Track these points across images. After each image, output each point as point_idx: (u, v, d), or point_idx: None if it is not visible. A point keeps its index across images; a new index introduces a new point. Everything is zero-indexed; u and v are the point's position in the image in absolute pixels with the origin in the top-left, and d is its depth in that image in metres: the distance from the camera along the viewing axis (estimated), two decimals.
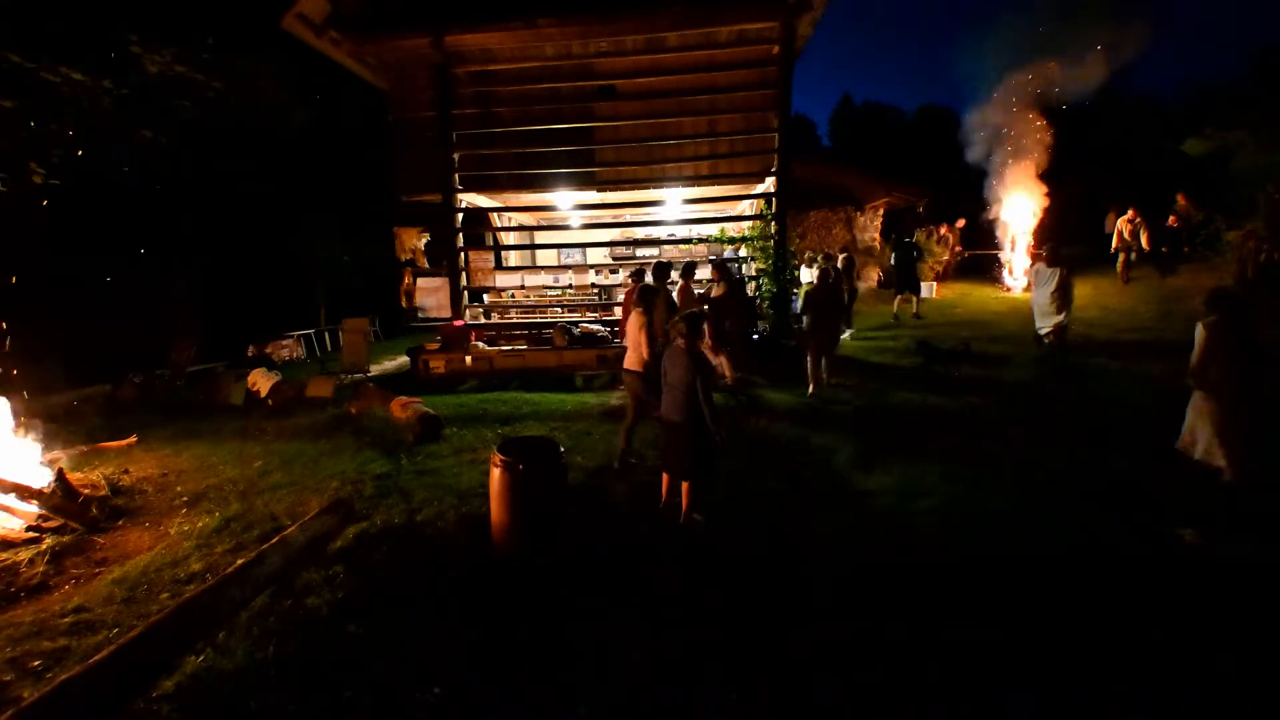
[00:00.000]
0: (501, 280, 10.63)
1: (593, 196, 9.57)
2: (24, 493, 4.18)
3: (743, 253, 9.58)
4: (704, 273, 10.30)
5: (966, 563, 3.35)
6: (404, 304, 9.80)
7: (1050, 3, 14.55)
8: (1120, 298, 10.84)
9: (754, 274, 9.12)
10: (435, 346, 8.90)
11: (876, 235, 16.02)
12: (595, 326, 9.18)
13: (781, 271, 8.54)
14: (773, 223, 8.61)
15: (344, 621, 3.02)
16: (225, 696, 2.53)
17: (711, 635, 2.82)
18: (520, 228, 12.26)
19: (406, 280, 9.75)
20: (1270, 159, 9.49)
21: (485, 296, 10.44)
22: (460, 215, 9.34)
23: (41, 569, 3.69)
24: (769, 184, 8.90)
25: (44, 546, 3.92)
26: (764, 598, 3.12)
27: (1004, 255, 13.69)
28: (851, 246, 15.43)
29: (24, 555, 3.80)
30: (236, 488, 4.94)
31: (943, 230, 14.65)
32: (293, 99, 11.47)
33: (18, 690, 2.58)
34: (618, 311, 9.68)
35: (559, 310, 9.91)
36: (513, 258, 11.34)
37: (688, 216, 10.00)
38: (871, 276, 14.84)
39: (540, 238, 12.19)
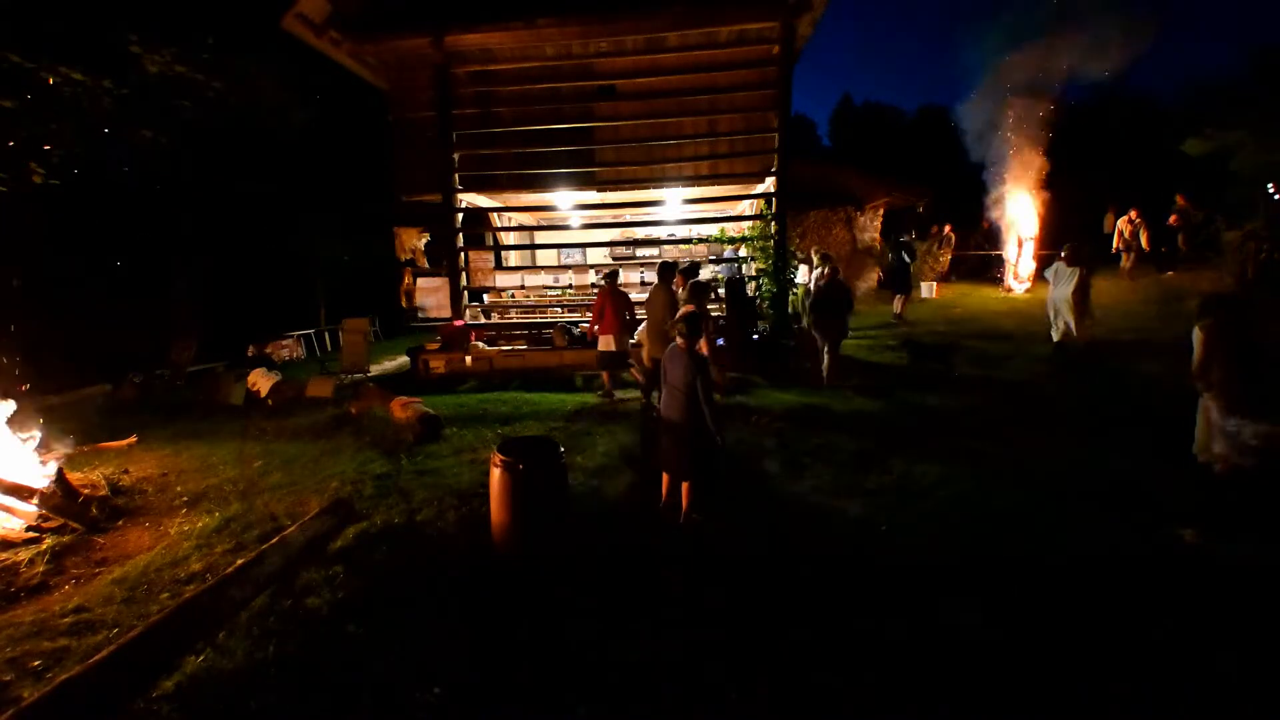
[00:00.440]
0: (501, 280, 10.63)
1: (593, 196, 9.57)
2: (24, 493, 4.18)
3: (742, 252, 9.58)
4: (703, 272, 10.33)
5: (967, 563, 3.35)
6: (404, 304, 9.80)
7: (1050, 2, 14.54)
8: (1120, 297, 10.83)
9: (754, 274, 9.12)
10: (435, 346, 8.90)
11: (876, 235, 16.01)
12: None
13: (781, 271, 8.55)
14: (773, 223, 8.61)
15: (344, 621, 3.02)
16: (225, 696, 2.53)
17: (711, 635, 2.82)
18: (520, 228, 12.26)
19: (406, 280, 9.76)
20: (1270, 159, 9.49)
21: (485, 296, 10.45)
22: (460, 215, 9.34)
23: (41, 569, 3.69)
24: (769, 184, 8.91)
25: (44, 546, 3.92)
26: (764, 598, 3.12)
27: (1008, 255, 13.62)
28: (852, 246, 15.43)
29: (24, 555, 3.80)
30: (236, 488, 4.94)
31: (945, 230, 14.62)
32: (293, 99, 11.47)
33: (18, 690, 2.58)
34: None
35: (559, 310, 9.91)
36: (513, 258, 11.35)
37: (688, 216, 10.01)
38: (871, 277, 14.84)
39: (540, 238, 12.20)
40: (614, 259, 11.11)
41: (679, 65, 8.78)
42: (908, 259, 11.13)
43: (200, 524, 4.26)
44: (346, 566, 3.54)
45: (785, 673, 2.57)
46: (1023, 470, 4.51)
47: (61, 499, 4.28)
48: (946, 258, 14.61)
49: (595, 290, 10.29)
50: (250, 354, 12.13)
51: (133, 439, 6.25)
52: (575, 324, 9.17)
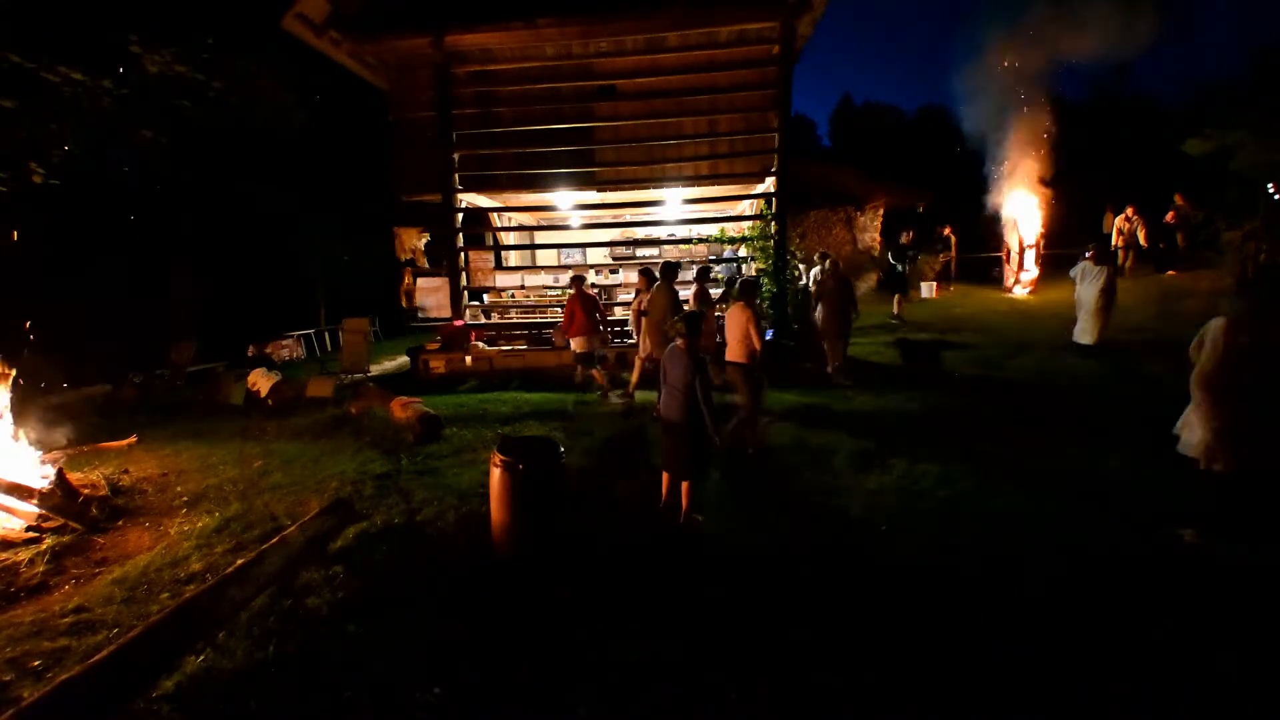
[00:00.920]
0: (501, 280, 10.63)
1: (593, 196, 9.57)
2: (24, 493, 4.18)
3: (742, 252, 9.58)
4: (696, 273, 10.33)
5: (967, 563, 3.35)
6: (404, 304, 9.81)
7: (1050, 2, 14.53)
8: (1122, 298, 10.82)
9: (754, 274, 9.12)
10: (435, 346, 8.91)
11: (876, 235, 16.01)
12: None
13: (781, 271, 8.55)
14: (773, 223, 8.61)
15: (344, 621, 3.02)
16: (225, 696, 2.53)
17: (711, 635, 2.82)
18: (520, 228, 12.26)
19: (406, 280, 9.76)
20: (1270, 159, 9.48)
21: (485, 296, 10.44)
22: (460, 215, 9.34)
23: (41, 569, 3.69)
24: (769, 184, 8.90)
25: (44, 546, 3.92)
26: (764, 598, 3.12)
27: (1011, 255, 13.54)
28: (852, 246, 15.42)
29: (24, 555, 3.80)
30: (236, 488, 4.94)
31: (946, 232, 14.58)
32: (293, 99, 11.48)
33: (18, 690, 2.58)
34: (619, 311, 9.69)
35: (559, 310, 9.90)
36: (513, 258, 11.34)
37: (688, 216, 10.01)
38: (871, 277, 14.83)
39: (540, 238, 12.20)
40: (614, 259, 11.11)
41: (679, 65, 8.78)
42: (900, 266, 11.23)
43: (200, 524, 4.26)
44: (346, 566, 3.54)
45: (785, 673, 2.57)
46: (1022, 470, 4.51)
47: (61, 499, 4.28)
48: (943, 259, 14.55)
49: (593, 289, 10.32)
50: (250, 354, 12.13)
51: (133, 439, 6.25)
52: None
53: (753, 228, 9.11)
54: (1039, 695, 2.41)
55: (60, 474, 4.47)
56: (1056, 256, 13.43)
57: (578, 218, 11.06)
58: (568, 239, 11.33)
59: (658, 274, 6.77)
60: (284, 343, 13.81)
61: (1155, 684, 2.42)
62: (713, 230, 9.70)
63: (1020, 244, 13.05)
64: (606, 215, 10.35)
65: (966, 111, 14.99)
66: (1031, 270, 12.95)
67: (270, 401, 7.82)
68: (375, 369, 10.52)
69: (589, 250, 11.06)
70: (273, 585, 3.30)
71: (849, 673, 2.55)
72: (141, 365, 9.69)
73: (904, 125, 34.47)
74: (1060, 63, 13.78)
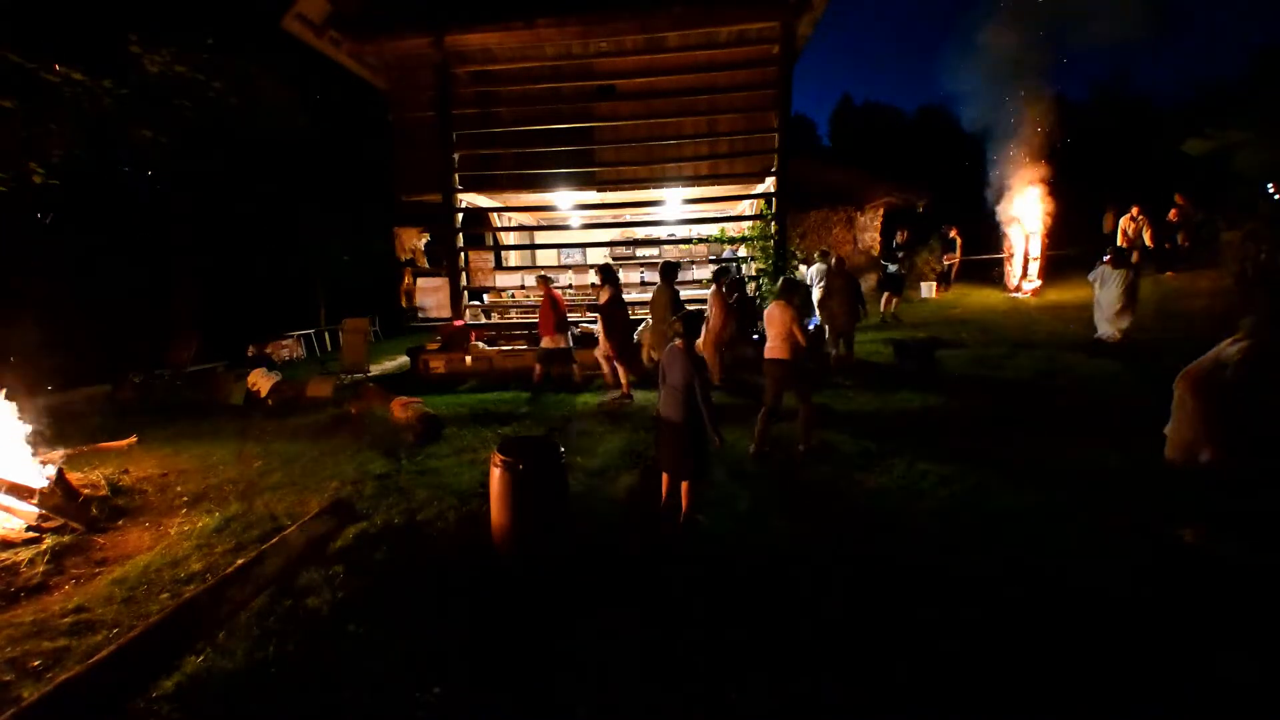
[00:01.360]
0: (501, 280, 10.63)
1: (593, 196, 9.57)
2: (24, 493, 4.18)
3: (742, 252, 9.58)
4: (703, 273, 10.34)
5: (967, 563, 3.35)
6: (404, 304, 9.81)
7: (1050, 2, 14.52)
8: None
9: (754, 274, 9.13)
10: (435, 346, 8.91)
11: (876, 235, 15.98)
12: (595, 327, 9.18)
13: (781, 271, 8.54)
14: (773, 223, 8.61)
15: (344, 621, 3.02)
16: (225, 696, 2.53)
17: (712, 635, 2.82)
18: (520, 228, 12.26)
19: (406, 280, 9.76)
20: (1270, 158, 9.49)
21: (485, 296, 10.44)
22: (460, 215, 9.34)
23: (41, 569, 3.69)
24: (769, 184, 8.91)
25: (44, 546, 3.92)
26: (763, 598, 3.12)
27: (1015, 256, 13.44)
28: (852, 246, 15.40)
29: (24, 555, 3.80)
30: (236, 488, 4.94)
31: (951, 233, 14.48)
32: (293, 99, 11.48)
33: (18, 690, 2.58)
34: None
35: None
36: (513, 258, 11.35)
37: (688, 216, 10.01)
38: (870, 277, 14.81)
39: (540, 238, 12.20)
40: (614, 259, 11.11)
41: (679, 65, 8.78)
42: (892, 267, 11.34)
43: (200, 524, 4.26)
44: (346, 566, 3.54)
45: (785, 673, 2.57)
46: (1022, 470, 4.51)
47: (61, 499, 4.28)
48: (947, 260, 14.49)
49: (594, 289, 10.32)
50: (250, 354, 12.10)
51: (133, 439, 6.25)
52: (575, 324, 9.17)
53: (753, 228, 9.11)
54: (1038, 695, 2.41)
55: (60, 474, 4.47)
56: (1056, 257, 13.41)
57: (578, 218, 11.06)
58: (568, 239, 11.34)
59: (605, 274, 6.94)
60: (284, 343, 13.81)
61: (1155, 684, 2.42)
62: (713, 230, 9.70)
63: (1027, 245, 12.90)
64: (606, 215, 10.35)
65: (966, 111, 14.99)
66: (1034, 280, 12.82)
67: (270, 401, 7.82)
68: (375, 369, 10.52)
69: (589, 250, 11.06)
70: (273, 585, 3.30)
71: (849, 673, 2.55)
72: (141, 365, 9.68)
73: (904, 125, 34.49)
74: (1061, 59, 13.76)
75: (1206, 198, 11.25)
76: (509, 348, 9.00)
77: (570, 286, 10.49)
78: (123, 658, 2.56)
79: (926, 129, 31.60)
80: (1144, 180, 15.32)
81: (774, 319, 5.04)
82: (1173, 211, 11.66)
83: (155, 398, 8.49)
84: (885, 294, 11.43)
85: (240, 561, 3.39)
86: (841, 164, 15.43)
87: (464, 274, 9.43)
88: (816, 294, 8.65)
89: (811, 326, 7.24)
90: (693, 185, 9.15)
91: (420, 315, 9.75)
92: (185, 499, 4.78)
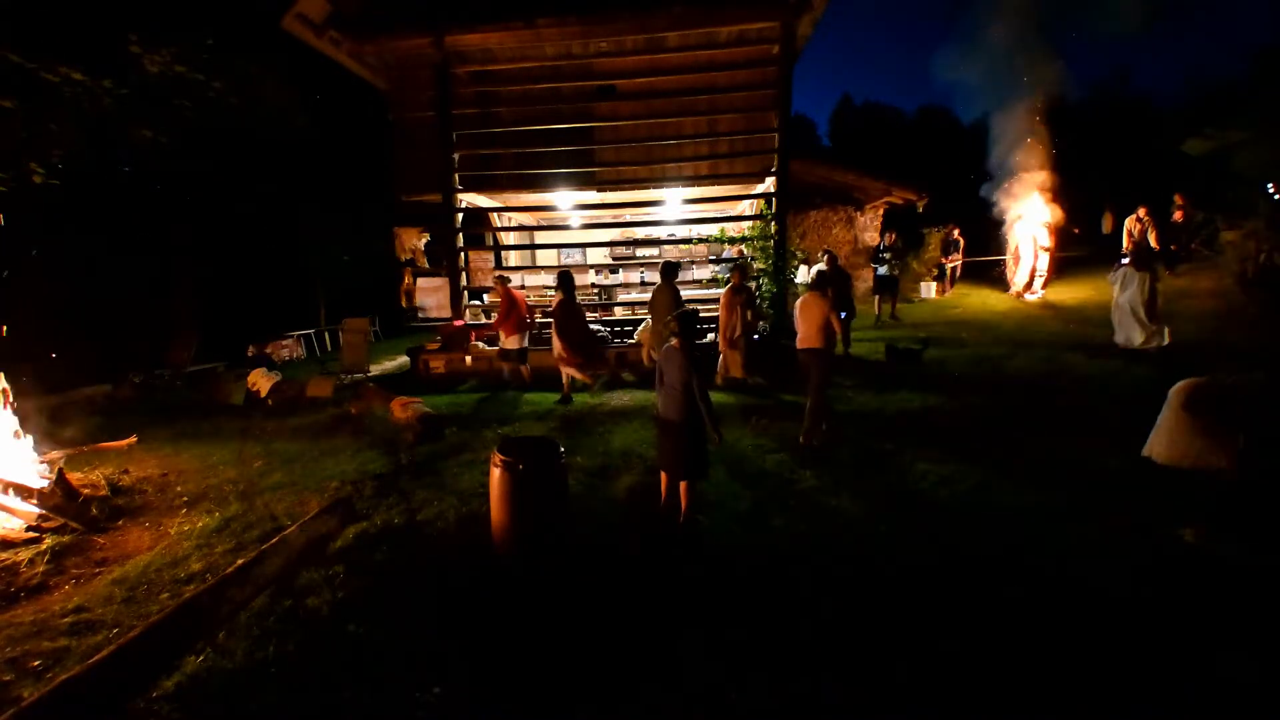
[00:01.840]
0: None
1: (593, 196, 9.57)
2: (24, 493, 4.19)
3: (745, 252, 9.58)
4: (703, 273, 10.34)
5: (967, 563, 3.35)
6: (404, 304, 9.82)
7: (1050, 2, 14.53)
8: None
9: (754, 274, 9.11)
10: (435, 346, 8.91)
11: (876, 235, 15.96)
12: (595, 326, 9.18)
13: (781, 271, 8.54)
14: (773, 223, 8.61)
15: (344, 621, 3.02)
16: (225, 696, 2.54)
17: (711, 635, 2.82)
18: (520, 228, 12.26)
19: (406, 280, 9.77)
20: (1270, 158, 9.48)
21: (485, 296, 10.44)
22: (460, 215, 9.34)
23: (41, 569, 3.69)
24: (769, 184, 8.90)
25: (44, 546, 3.92)
26: (762, 598, 3.12)
27: (1023, 263, 13.34)
28: (852, 246, 15.40)
29: (24, 555, 3.80)
30: (236, 488, 4.94)
31: (955, 234, 14.43)
32: (293, 99, 11.47)
33: (18, 690, 2.58)
34: (618, 311, 9.71)
35: None
36: (513, 258, 11.34)
37: (688, 216, 10.01)
38: (869, 278, 14.80)
39: (540, 238, 12.20)
40: (614, 259, 11.12)
41: (679, 65, 8.78)
42: (881, 271, 11.36)
43: (200, 524, 4.26)
44: (346, 566, 3.54)
45: (785, 673, 2.57)
46: (1022, 470, 4.51)
47: (61, 499, 4.29)
48: (957, 263, 14.42)
49: (594, 289, 10.33)
50: (250, 354, 12.14)
51: (133, 439, 6.25)
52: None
53: (753, 228, 9.11)
54: (1037, 695, 2.41)
55: (60, 474, 4.48)
56: (1057, 258, 13.39)
57: (578, 218, 11.06)
58: (568, 239, 11.33)
59: (559, 279, 7.01)
60: (284, 343, 13.82)
61: (1155, 684, 2.42)
62: (713, 230, 9.70)
63: (1035, 250, 12.76)
64: (606, 215, 10.35)
65: (966, 110, 14.98)
66: (1039, 292, 12.72)
67: (270, 401, 7.83)
68: (375, 369, 10.53)
69: (589, 250, 11.06)
70: (273, 585, 3.30)
71: (849, 673, 2.55)
72: (141, 365, 9.69)
73: (904, 125, 34.52)
74: (1061, 60, 13.75)
75: (1206, 198, 11.23)
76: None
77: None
78: (123, 658, 2.56)
79: (926, 129, 31.64)
80: (1144, 180, 15.31)
81: (809, 311, 5.21)
82: (1178, 213, 11.64)
83: (155, 398, 8.50)
84: (879, 296, 11.44)
85: (240, 561, 3.39)
86: (841, 164, 15.38)
87: (464, 274, 9.43)
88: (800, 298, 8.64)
89: (844, 316, 7.30)
90: (693, 185, 9.14)
91: (420, 315, 9.76)
92: (185, 499, 4.78)
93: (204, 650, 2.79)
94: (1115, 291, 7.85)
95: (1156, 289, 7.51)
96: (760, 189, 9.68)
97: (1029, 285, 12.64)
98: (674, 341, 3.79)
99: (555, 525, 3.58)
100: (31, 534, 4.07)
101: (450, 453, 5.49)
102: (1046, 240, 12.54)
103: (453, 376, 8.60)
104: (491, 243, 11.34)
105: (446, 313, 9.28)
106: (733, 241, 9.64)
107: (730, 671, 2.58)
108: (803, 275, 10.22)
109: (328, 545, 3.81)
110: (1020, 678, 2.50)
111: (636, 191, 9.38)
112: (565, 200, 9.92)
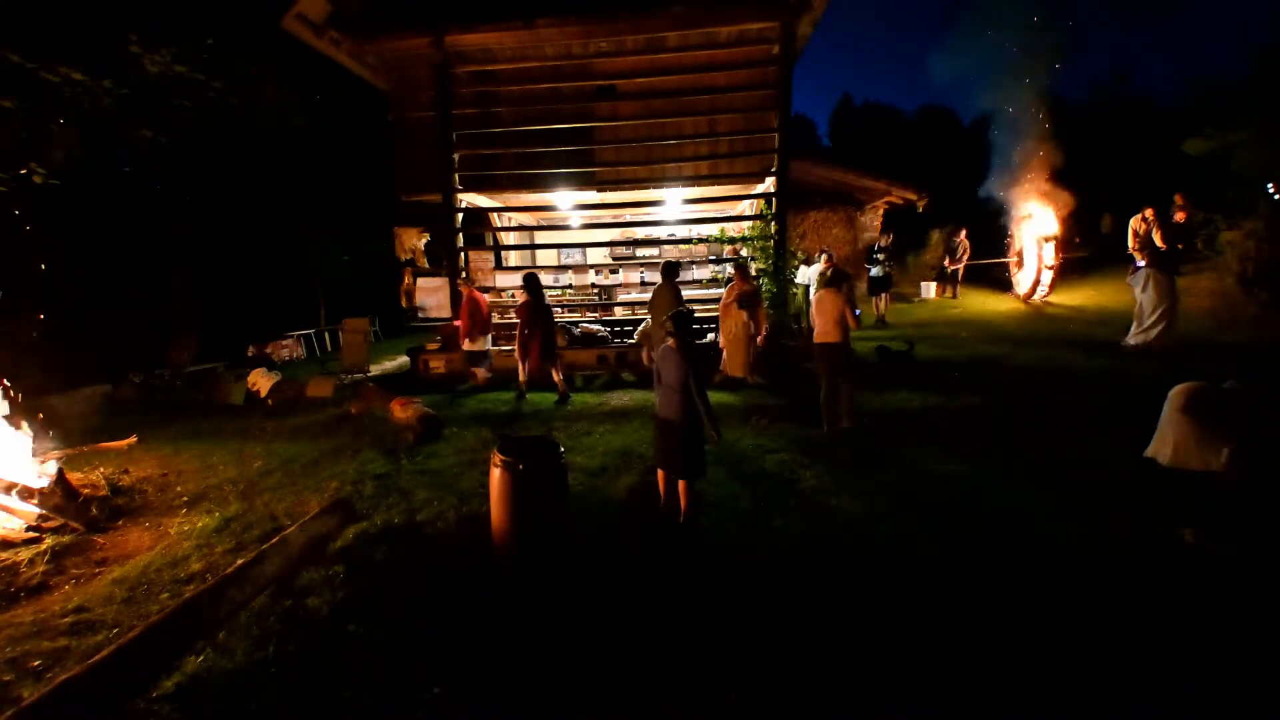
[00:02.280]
0: (501, 280, 10.63)
1: (593, 196, 9.57)
2: (24, 493, 4.19)
3: (743, 252, 9.58)
4: (703, 273, 10.34)
5: (967, 563, 3.35)
6: (404, 304, 9.81)
7: (1050, 2, 14.53)
8: (1122, 298, 10.82)
9: (754, 274, 9.12)
10: (435, 346, 8.91)
11: (877, 235, 15.96)
12: (595, 326, 9.18)
13: (781, 271, 8.54)
14: (773, 223, 8.61)
15: (344, 621, 3.02)
16: (225, 696, 2.53)
17: (711, 635, 2.82)
18: (520, 228, 12.26)
19: (406, 280, 9.77)
20: (1270, 158, 9.48)
21: (485, 296, 10.44)
22: (460, 215, 9.34)
23: (41, 569, 3.69)
24: (769, 184, 8.90)
25: (44, 546, 3.92)
26: (762, 598, 3.12)
27: (1026, 260, 13.30)
28: (852, 246, 15.41)
29: (24, 555, 3.80)
30: (236, 488, 4.94)
31: (961, 237, 14.31)
32: (293, 99, 11.48)
33: (18, 690, 2.58)
34: (618, 311, 9.71)
35: (559, 310, 9.91)
36: (513, 258, 11.34)
37: (688, 216, 10.01)
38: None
39: (540, 238, 12.20)
40: (614, 259, 11.11)
41: (679, 65, 8.78)
42: (875, 272, 11.42)
43: (200, 524, 4.26)
44: (346, 566, 3.54)
45: (785, 673, 2.57)
46: (1022, 470, 4.51)
47: (61, 499, 4.29)
48: (960, 264, 14.40)
49: (594, 289, 10.33)
50: (250, 354, 12.14)
51: (133, 439, 6.25)
52: (575, 324, 9.19)
53: (753, 228, 9.11)
54: (1036, 695, 2.41)
55: (60, 474, 4.48)
56: (1061, 259, 13.36)
57: (578, 218, 11.05)
58: (568, 239, 11.33)
59: (524, 281, 7.13)
60: (284, 343, 13.82)
61: (1155, 684, 2.42)
62: (713, 230, 9.70)
63: (1040, 254, 12.69)
64: (606, 215, 10.35)
65: (966, 111, 14.97)
66: (1045, 291, 12.69)
67: (270, 401, 7.83)
68: (375, 369, 10.53)
69: (589, 250, 11.06)
70: (273, 585, 3.30)
71: (849, 673, 2.55)
72: (141, 365, 9.69)
73: (904, 125, 34.53)
74: (1062, 57, 13.74)
75: (1206, 198, 11.23)
76: (509, 347, 8.98)
77: (570, 287, 10.50)
78: (123, 658, 2.56)
79: (926, 129, 31.64)
80: (1144, 181, 15.30)
81: (825, 306, 5.48)
82: (1181, 214, 11.62)
83: (155, 398, 8.50)
84: (874, 297, 11.48)
85: (240, 561, 3.39)
86: (841, 164, 15.37)
87: (464, 274, 9.42)
88: (815, 294, 8.64)
89: (858, 313, 7.34)
90: (693, 185, 9.14)
91: (420, 315, 9.75)
92: (185, 499, 4.78)
93: (204, 650, 2.79)
94: (1136, 293, 7.88)
95: (1176, 293, 7.51)
96: (760, 189, 9.68)
97: (1033, 290, 12.62)
98: (671, 341, 3.80)
99: (555, 525, 3.58)
100: (31, 534, 4.07)
101: (450, 453, 5.49)
102: (1051, 252, 12.46)
103: (453, 376, 8.60)
104: (491, 243, 11.34)
105: (446, 313, 9.28)
106: (733, 241, 9.64)
107: (730, 671, 2.58)
108: (803, 275, 10.23)
109: (328, 545, 3.81)
110: (1020, 678, 2.50)
111: (636, 191, 9.38)
112: (565, 200, 9.92)
